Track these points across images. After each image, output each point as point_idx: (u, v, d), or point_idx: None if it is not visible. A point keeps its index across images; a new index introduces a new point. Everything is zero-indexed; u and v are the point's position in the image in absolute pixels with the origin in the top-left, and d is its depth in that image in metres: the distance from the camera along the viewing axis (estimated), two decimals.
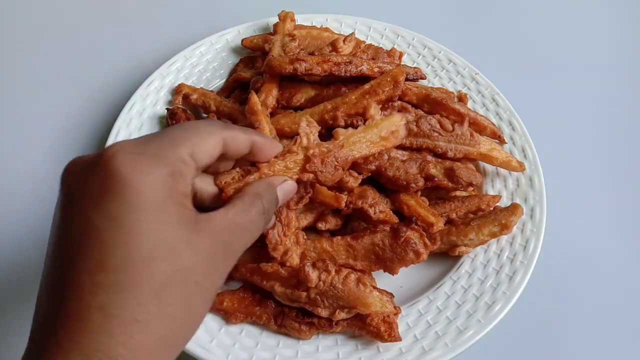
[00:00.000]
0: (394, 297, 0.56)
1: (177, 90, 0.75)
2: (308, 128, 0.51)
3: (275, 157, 0.47)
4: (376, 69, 0.67)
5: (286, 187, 0.47)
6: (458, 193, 0.66)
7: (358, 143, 0.52)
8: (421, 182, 0.61)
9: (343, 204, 0.59)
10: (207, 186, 0.43)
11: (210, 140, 0.39)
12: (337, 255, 0.57)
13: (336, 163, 0.50)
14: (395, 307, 0.55)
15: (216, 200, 0.43)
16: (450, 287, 0.61)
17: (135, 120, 0.72)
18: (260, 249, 0.59)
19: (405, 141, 0.63)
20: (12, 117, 0.80)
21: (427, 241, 0.56)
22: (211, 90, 0.77)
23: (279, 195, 0.45)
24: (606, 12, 1.01)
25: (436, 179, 0.62)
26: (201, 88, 0.76)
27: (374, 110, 0.60)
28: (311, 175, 0.49)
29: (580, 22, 0.99)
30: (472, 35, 0.94)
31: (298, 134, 0.50)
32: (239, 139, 0.42)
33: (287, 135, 0.64)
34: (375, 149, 0.53)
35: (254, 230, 0.41)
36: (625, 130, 0.82)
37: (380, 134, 0.53)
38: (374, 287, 0.55)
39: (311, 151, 0.49)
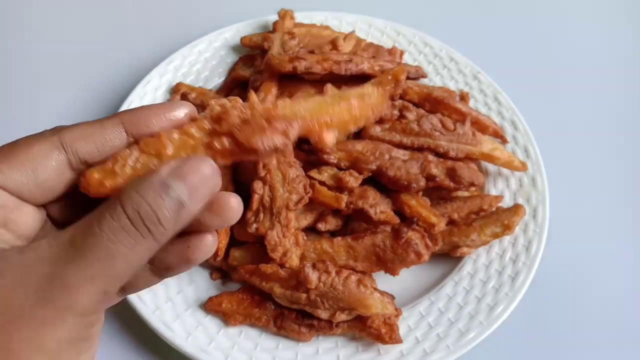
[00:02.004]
0: (394, 298, 0.56)
1: (175, 89, 0.74)
2: (228, 103, 0.32)
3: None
4: (377, 68, 0.66)
5: (189, 170, 0.28)
6: (460, 193, 0.65)
7: (303, 104, 0.33)
8: (422, 182, 0.61)
9: (343, 205, 0.58)
10: None
11: (35, 150, 0.29)
12: (337, 256, 0.57)
13: (269, 123, 0.31)
14: (396, 309, 0.54)
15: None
16: (451, 288, 0.60)
17: None
18: (259, 249, 0.58)
19: (407, 140, 0.63)
20: (10, 116, 0.80)
21: (428, 242, 0.56)
22: (210, 89, 0.76)
23: (171, 184, 0.28)
24: (610, 11, 1.00)
25: (438, 179, 0.61)
26: (199, 87, 0.75)
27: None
28: (226, 141, 0.30)
29: (583, 21, 0.98)
30: (474, 33, 0.93)
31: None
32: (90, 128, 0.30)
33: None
34: (337, 114, 0.34)
35: (113, 271, 0.27)
36: (628, 130, 0.82)
37: (341, 97, 0.35)
38: (375, 289, 0.54)
39: (220, 107, 0.31)
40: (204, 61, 0.79)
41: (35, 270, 0.27)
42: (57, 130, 0.31)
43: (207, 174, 0.29)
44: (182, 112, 0.32)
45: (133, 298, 0.57)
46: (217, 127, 0.30)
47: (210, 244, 0.33)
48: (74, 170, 0.31)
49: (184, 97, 0.73)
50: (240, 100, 0.32)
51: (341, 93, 0.34)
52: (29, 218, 0.31)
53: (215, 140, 0.30)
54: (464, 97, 0.74)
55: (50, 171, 0.30)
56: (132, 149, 0.30)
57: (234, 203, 0.32)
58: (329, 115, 0.33)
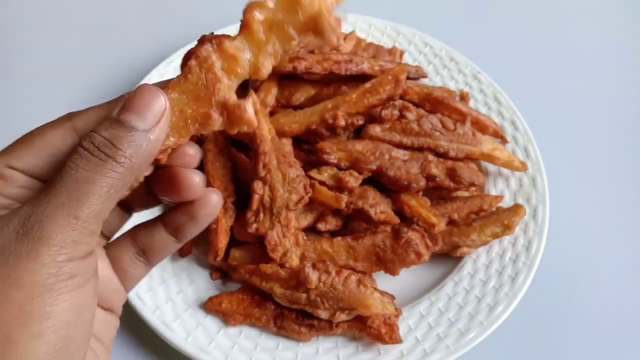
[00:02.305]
0: (395, 298, 0.56)
1: None
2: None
3: None
4: (377, 68, 0.66)
5: (135, 99, 0.30)
6: (460, 193, 0.65)
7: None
8: (422, 182, 0.60)
9: (343, 205, 0.58)
10: None
11: (45, 137, 0.31)
12: (337, 256, 0.57)
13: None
14: (396, 309, 0.54)
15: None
16: (451, 288, 0.60)
17: None
18: (259, 249, 0.58)
19: (407, 140, 0.63)
20: (10, 116, 0.80)
21: (428, 242, 0.56)
22: None
23: (128, 119, 0.30)
24: (610, 11, 1.00)
25: (438, 179, 0.61)
26: None
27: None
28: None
29: (582, 21, 0.98)
30: (474, 33, 0.93)
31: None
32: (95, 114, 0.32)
33: (287, 135, 0.63)
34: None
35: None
36: (629, 130, 0.82)
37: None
38: (375, 289, 0.54)
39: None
40: None
41: (17, 212, 0.28)
42: (69, 117, 0.33)
43: (149, 97, 0.31)
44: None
45: (133, 298, 0.57)
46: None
47: (215, 201, 0.35)
48: None
49: None
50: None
51: None
52: None
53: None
54: (464, 97, 0.74)
55: (66, 156, 0.31)
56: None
57: (195, 179, 0.34)
58: None
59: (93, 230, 0.29)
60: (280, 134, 0.63)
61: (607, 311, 0.64)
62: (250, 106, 0.31)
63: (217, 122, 0.31)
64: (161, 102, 0.31)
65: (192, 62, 0.31)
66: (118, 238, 0.37)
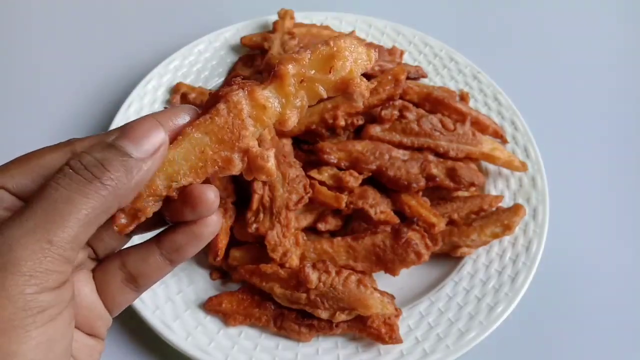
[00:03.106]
0: (394, 298, 0.56)
1: (175, 89, 0.74)
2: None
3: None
4: (377, 68, 0.66)
5: (133, 126, 0.30)
6: (460, 193, 0.65)
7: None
8: (422, 182, 0.60)
9: (343, 205, 0.58)
10: None
11: None
12: (337, 256, 0.57)
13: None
14: (396, 309, 0.54)
15: None
16: (451, 288, 0.60)
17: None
18: (259, 249, 0.58)
19: (407, 140, 0.63)
20: (10, 116, 0.80)
21: (428, 242, 0.56)
22: (210, 89, 0.76)
23: (123, 145, 0.29)
24: (609, 11, 1.00)
25: (438, 179, 0.61)
26: (199, 87, 0.75)
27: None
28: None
29: (583, 21, 0.98)
30: (474, 33, 0.93)
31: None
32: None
33: (287, 135, 0.63)
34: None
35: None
36: (629, 130, 0.82)
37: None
38: (375, 289, 0.54)
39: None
40: (203, 61, 0.79)
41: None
42: (70, 143, 0.31)
43: (149, 128, 0.29)
44: (183, 117, 0.32)
45: None
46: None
47: (217, 219, 0.33)
48: None
49: (184, 97, 0.73)
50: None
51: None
52: None
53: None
54: (464, 97, 0.74)
55: None
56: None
57: (210, 195, 0.32)
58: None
59: (68, 257, 0.26)
60: (280, 134, 0.63)
61: (607, 311, 0.64)
62: (272, 157, 0.31)
63: (237, 167, 0.31)
64: (161, 135, 0.30)
65: (221, 106, 0.30)
66: (105, 262, 0.34)
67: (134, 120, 0.30)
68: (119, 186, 0.28)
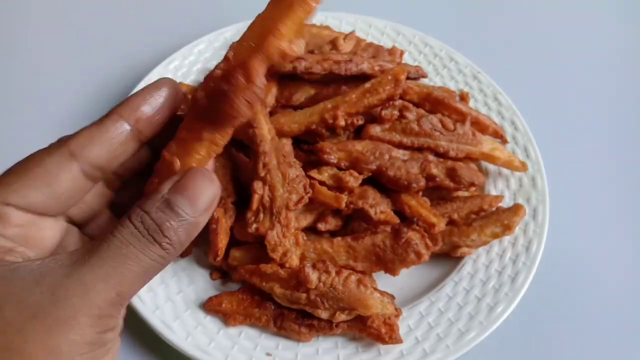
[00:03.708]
0: (394, 298, 0.56)
1: None
2: None
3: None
4: (377, 68, 0.66)
5: (186, 184, 0.31)
6: (460, 193, 0.65)
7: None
8: (422, 182, 0.60)
9: (343, 204, 0.58)
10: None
11: (59, 175, 0.30)
12: (337, 256, 0.57)
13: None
14: (396, 309, 0.54)
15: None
16: (451, 288, 0.60)
17: None
18: (259, 249, 0.58)
19: (407, 140, 0.63)
20: (8, 115, 0.80)
21: (428, 242, 0.56)
22: None
23: (170, 198, 0.30)
24: (609, 12, 1.00)
25: (438, 179, 0.61)
26: None
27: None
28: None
29: (583, 21, 0.98)
30: (474, 33, 0.93)
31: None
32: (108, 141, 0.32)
33: (287, 135, 0.63)
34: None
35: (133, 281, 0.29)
36: (629, 130, 0.82)
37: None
38: (375, 289, 0.54)
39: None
40: (204, 61, 0.79)
41: (53, 272, 0.27)
42: (64, 142, 0.32)
43: (203, 183, 0.31)
44: (164, 89, 0.34)
45: (133, 298, 0.56)
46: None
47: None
48: (88, 177, 0.32)
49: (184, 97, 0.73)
50: None
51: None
52: (49, 231, 0.32)
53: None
54: (464, 97, 0.74)
55: (65, 183, 0.31)
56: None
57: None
58: (275, 25, 0.31)
59: (124, 305, 0.30)
60: (280, 134, 0.63)
61: (607, 311, 0.64)
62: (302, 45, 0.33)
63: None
64: (214, 188, 0.31)
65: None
66: None
67: (191, 172, 0.31)
68: (177, 248, 0.30)
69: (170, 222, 0.29)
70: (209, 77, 0.33)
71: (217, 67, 0.32)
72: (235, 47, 0.32)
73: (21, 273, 0.27)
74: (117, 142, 0.32)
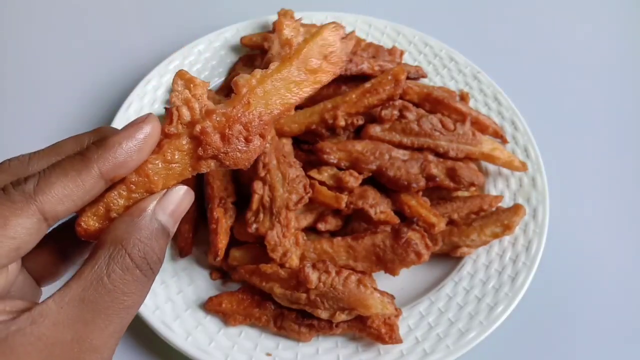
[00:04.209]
0: (394, 298, 0.56)
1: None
2: (181, 83, 0.33)
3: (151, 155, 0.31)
4: (377, 68, 0.66)
5: (172, 202, 0.31)
6: (460, 193, 0.65)
7: (274, 91, 0.33)
8: (422, 182, 0.60)
9: (343, 205, 0.58)
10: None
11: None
12: (337, 256, 0.57)
13: (247, 132, 0.32)
14: (396, 309, 0.54)
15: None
16: (451, 288, 0.60)
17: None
18: (259, 249, 0.58)
19: (407, 140, 0.63)
20: (11, 116, 0.80)
21: (428, 242, 0.56)
22: (210, 89, 0.76)
23: (163, 222, 0.30)
24: (609, 12, 1.00)
25: (438, 179, 0.61)
26: None
27: (289, 30, 0.36)
28: (212, 163, 0.32)
29: (583, 22, 0.98)
30: (474, 33, 0.93)
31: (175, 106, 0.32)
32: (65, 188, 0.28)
33: (287, 135, 0.63)
34: (304, 92, 0.34)
35: (127, 307, 0.29)
36: (628, 130, 0.82)
37: (305, 65, 0.34)
38: (375, 289, 0.54)
39: (198, 127, 0.31)
40: (204, 61, 0.79)
41: (58, 339, 0.27)
42: (30, 197, 0.28)
43: (187, 202, 0.32)
44: (147, 129, 0.30)
45: None
46: (201, 152, 0.31)
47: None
48: (48, 226, 0.30)
49: None
50: (207, 101, 0.33)
51: (301, 58, 0.33)
52: (1, 278, 0.30)
53: (202, 166, 0.32)
54: (464, 97, 0.74)
55: (31, 242, 0.29)
56: (120, 190, 0.30)
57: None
58: (296, 93, 0.33)
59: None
60: (280, 134, 0.63)
61: (607, 311, 0.64)
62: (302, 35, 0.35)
63: None
64: (190, 202, 0.32)
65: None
66: None
67: (173, 191, 0.31)
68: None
69: (165, 246, 0.31)
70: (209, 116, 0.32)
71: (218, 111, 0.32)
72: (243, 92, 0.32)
73: (23, 346, 0.27)
74: (90, 197, 0.30)
